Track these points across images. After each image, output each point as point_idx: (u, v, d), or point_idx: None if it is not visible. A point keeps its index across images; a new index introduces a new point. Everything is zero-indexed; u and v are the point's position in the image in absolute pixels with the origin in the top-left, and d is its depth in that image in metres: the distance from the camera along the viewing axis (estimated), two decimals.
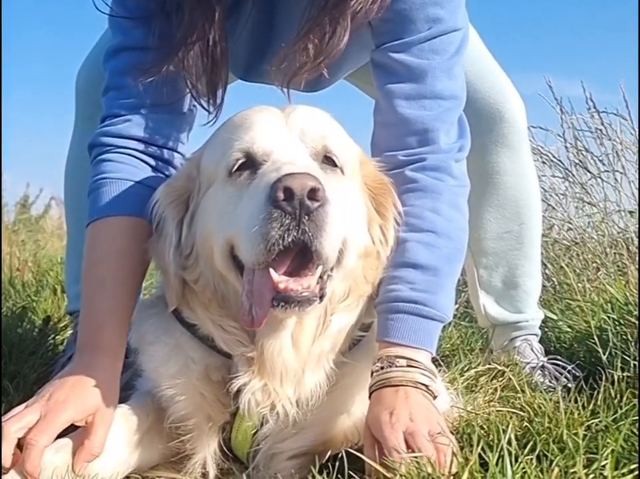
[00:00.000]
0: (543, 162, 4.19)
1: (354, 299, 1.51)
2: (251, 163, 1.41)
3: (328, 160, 1.46)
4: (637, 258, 3.28)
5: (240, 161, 1.42)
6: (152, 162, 1.71)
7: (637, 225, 3.58)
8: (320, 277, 1.35)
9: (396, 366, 1.41)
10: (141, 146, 1.69)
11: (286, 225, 1.23)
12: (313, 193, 1.24)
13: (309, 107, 1.54)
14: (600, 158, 4.03)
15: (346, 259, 1.42)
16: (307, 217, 1.24)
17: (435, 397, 1.43)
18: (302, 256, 1.29)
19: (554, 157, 4.09)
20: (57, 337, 2.51)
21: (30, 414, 1.37)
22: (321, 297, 1.34)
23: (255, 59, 1.94)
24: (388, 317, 1.48)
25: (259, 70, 1.94)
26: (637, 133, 3.98)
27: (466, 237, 1.68)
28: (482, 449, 1.20)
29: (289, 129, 1.45)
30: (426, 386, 1.41)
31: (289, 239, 1.24)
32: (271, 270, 1.28)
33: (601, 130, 3.99)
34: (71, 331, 2.39)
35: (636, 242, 3.49)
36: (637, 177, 3.85)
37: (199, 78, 1.67)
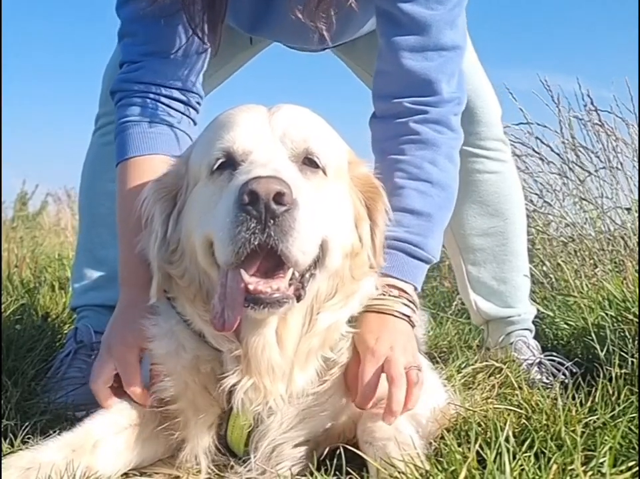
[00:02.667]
0: (541, 159, 4.19)
1: (342, 298, 1.50)
2: (231, 163, 1.41)
3: (310, 162, 1.45)
4: (637, 256, 3.28)
5: (220, 161, 1.42)
6: (171, 104, 1.84)
7: (634, 222, 3.58)
8: (302, 276, 1.36)
9: (390, 295, 1.61)
10: (159, 90, 1.82)
11: (252, 228, 1.25)
12: (279, 197, 1.25)
13: (294, 106, 1.53)
14: (597, 154, 4.03)
15: (328, 259, 1.42)
16: (272, 221, 1.25)
17: (414, 326, 1.64)
18: (277, 257, 1.29)
19: (552, 150, 4.09)
20: (55, 334, 2.50)
21: (107, 367, 1.59)
22: (299, 297, 1.36)
23: (261, 5, 1.95)
24: (385, 252, 1.63)
25: (267, 20, 1.97)
26: (638, 130, 3.98)
27: (456, 186, 1.84)
28: (480, 446, 1.20)
29: (271, 129, 1.44)
30: (409, 317, 1.61)
31: (255, 242, 1.25)
32: (242, 271, 1.29)
33: (600, 125, 3.99)
34: (71, 327, 2.39)
35: (633, 239, 3.49)
36: (636, 174, 3.85)
37: (198, 14, 1.74)
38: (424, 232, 1.69)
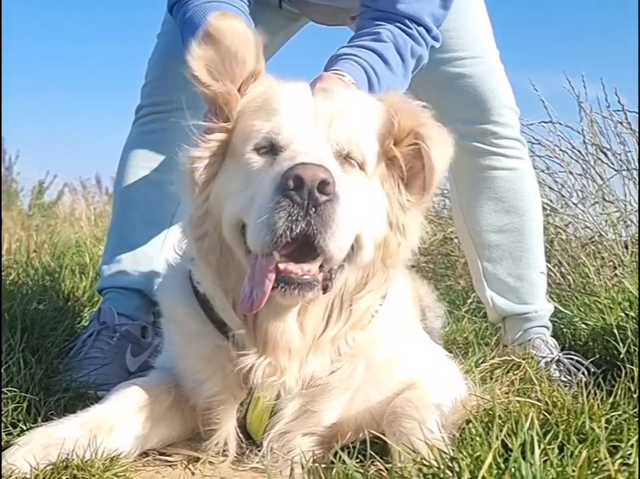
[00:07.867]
0: (562, 160, 4.17)
1: (372, 288, 1.49)
2: (272, 148, 1.40)
3: (349, 158, 1.43)
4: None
5: (262, 148, 1.41)
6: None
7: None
8: (331, 268, 1.35)
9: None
10: None
11: (294, 215, 1.23)
12: (323, 186, 1.24)
13: (341, 93, 1.51)
14: (619, 155, 4.01)
15: (360, 255, 1.42)
16: (314, 209, 1.23)
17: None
18: (309, 246, 1.28)
19: (577, 150, 4.07)
20: (76, 316, 2.53)
21: None
22: (325, 288, 1.35)
23: None
24: (354, 65, 1.82)
25: None
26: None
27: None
28: (504, 436, 1.20)
29: (315, 119, 1.42)
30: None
31: (297, 231, 1.23)
32: (274, 252, 1.28)
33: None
34: (92, 310, 2.42)
35: None
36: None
37: None
38: (385, 79, 1.89)
